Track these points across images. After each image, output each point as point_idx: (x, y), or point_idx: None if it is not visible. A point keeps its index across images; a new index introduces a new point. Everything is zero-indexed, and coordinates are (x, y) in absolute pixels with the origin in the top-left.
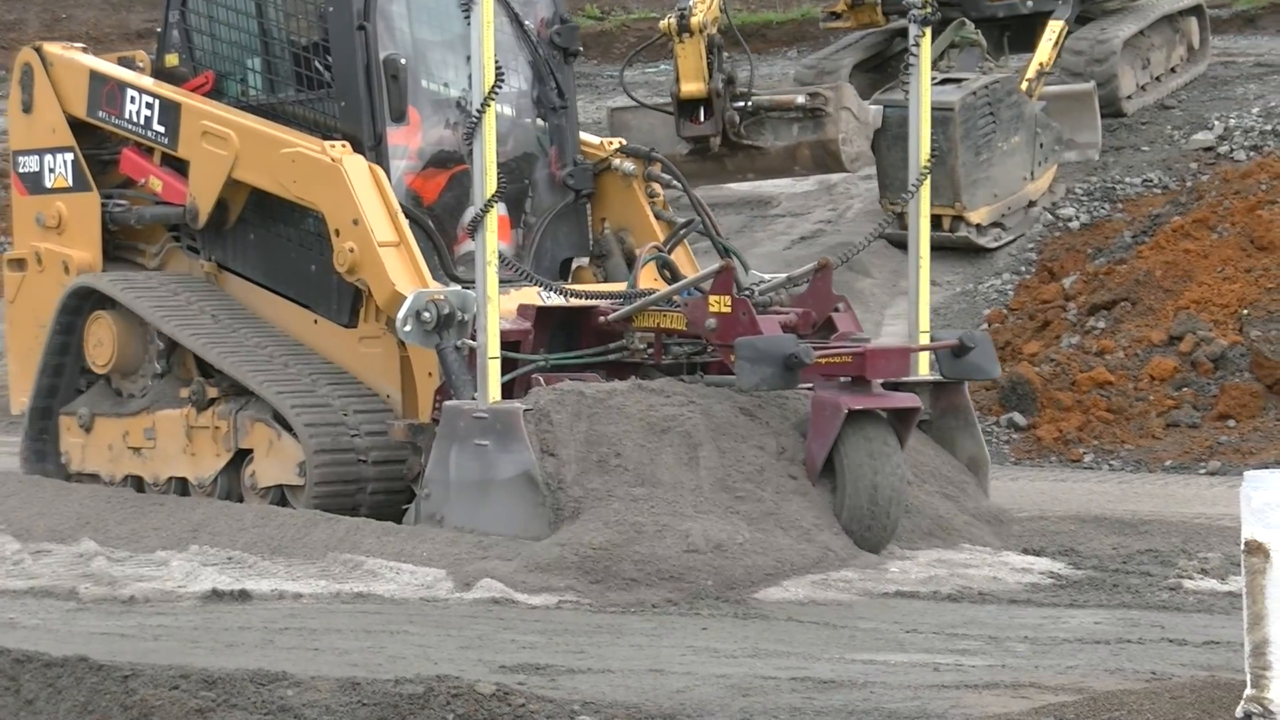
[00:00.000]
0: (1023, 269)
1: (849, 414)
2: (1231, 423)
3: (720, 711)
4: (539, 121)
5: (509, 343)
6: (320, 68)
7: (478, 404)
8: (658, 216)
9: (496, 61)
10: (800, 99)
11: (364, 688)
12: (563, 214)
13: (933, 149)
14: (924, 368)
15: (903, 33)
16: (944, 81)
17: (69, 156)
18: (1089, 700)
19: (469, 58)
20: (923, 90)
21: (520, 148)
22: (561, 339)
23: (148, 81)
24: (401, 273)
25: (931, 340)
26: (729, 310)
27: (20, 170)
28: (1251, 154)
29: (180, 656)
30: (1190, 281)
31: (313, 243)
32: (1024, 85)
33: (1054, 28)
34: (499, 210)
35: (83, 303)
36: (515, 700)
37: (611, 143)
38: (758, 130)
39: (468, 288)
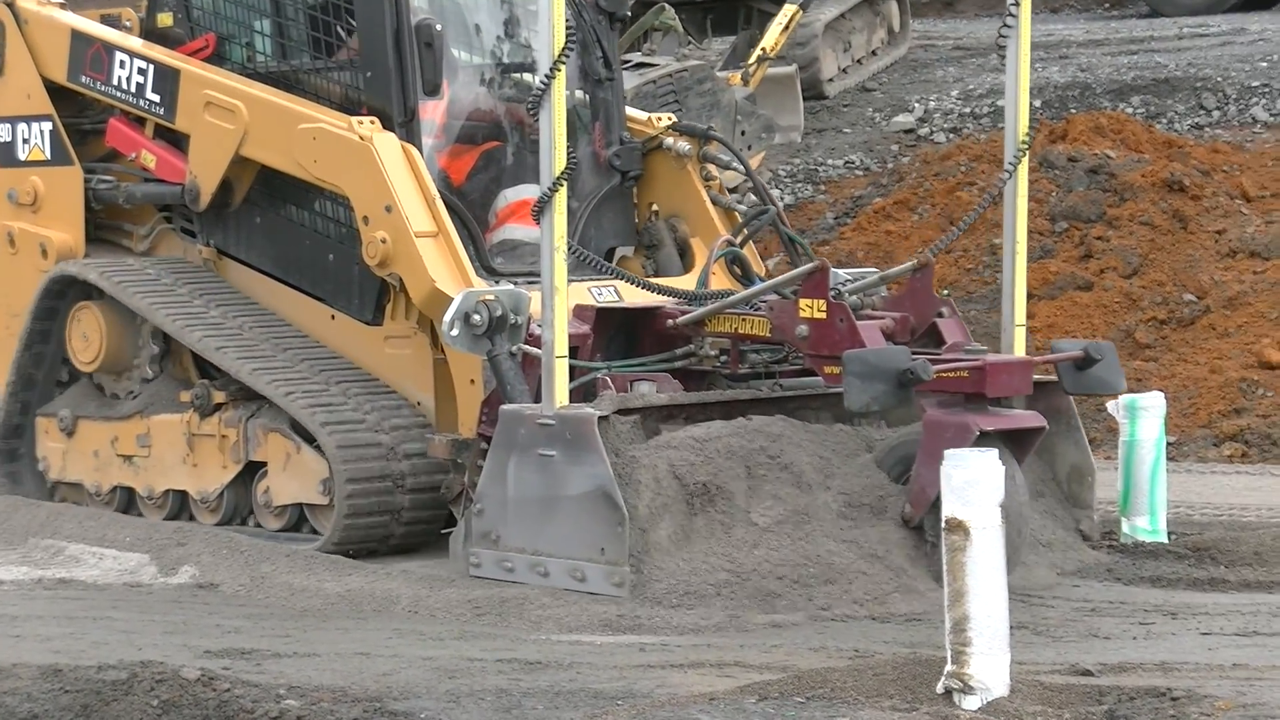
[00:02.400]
0: None
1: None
2: None
3: (427, 694)
4: (579, 94)
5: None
6: (342, 32)
7: (542, 409)
8: (714, 202)
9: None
10: None
11: (66, 675)
12: (608, 198)
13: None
14: (1019, 351)
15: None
16: (636, 67)
17: (46, 126)
18: (793, 678)
19: (502, 16)
20: (1021, 59)
21: None
22: (620, 342)
23: (137, 43)
24: (442, 267)
25: (1053, 350)
26: (824, 315)
27: None
28: (951, 136)
29: None
30: (892, 262)
31: (331, 228)
32: (742, 71)
33: (787, 12)
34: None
35: (66, 291)
36: (220, 685)
37: (661, 118)
38: None
39: (512, 282)
